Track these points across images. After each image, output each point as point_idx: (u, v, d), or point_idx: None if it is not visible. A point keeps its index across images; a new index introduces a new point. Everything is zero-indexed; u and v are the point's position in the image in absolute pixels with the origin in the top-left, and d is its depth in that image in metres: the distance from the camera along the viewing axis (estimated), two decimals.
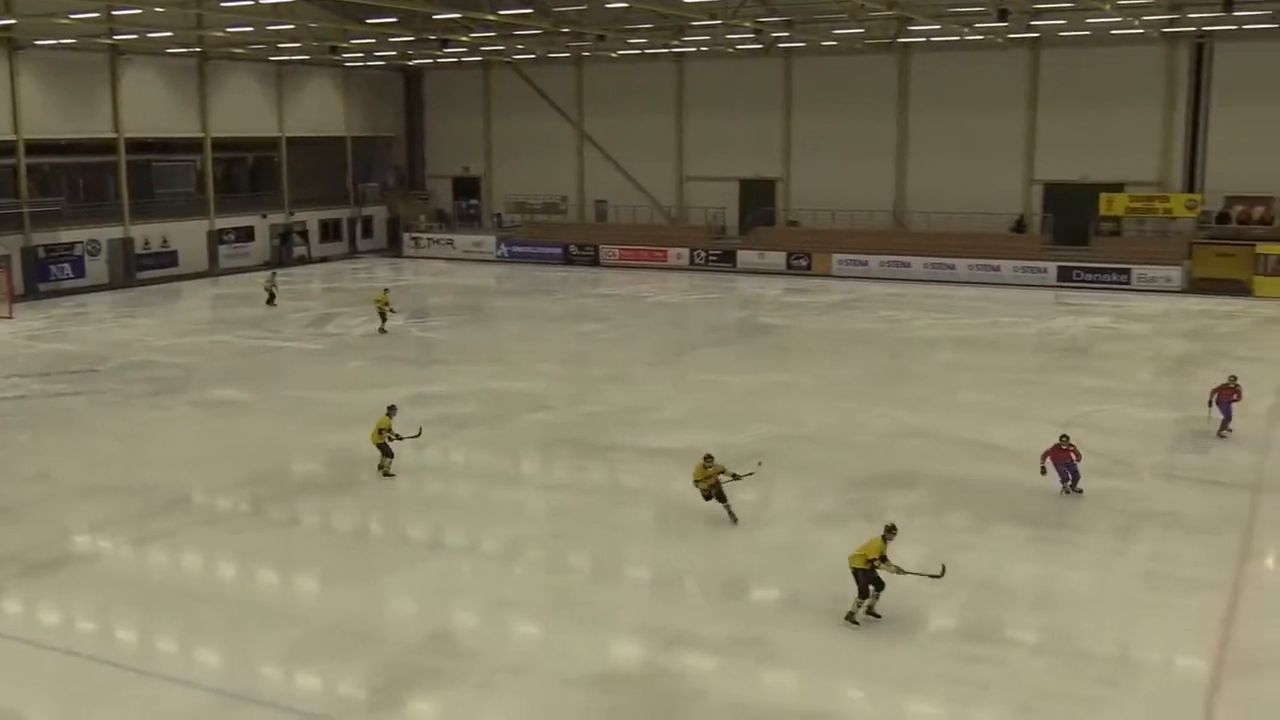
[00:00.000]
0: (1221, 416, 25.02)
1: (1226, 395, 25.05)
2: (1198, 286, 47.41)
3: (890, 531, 16.04)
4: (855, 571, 15.78)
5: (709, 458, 19.55)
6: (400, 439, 22.46)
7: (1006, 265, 50.61)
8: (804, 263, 53.99)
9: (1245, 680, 14.10)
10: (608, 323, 41.62)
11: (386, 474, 22.52)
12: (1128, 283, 48.56)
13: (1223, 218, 49.01)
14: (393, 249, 63.92)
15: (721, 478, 19.31)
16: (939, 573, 15.68)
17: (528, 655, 15.08)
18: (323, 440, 25.26)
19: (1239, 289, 46.60)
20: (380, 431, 22.43)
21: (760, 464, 19.91)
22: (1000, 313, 43.05)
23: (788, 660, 14.75)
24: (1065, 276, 49.70)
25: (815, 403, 28.36)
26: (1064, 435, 20.97)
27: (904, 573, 15.61)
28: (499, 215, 64.34)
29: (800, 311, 43.96)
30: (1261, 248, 47.08)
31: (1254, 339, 37.81)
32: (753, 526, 19.44)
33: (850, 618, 15.71)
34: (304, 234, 60.83)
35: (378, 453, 22.52)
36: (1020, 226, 52.79)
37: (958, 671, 14.38)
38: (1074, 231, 51.18)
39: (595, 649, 15.09)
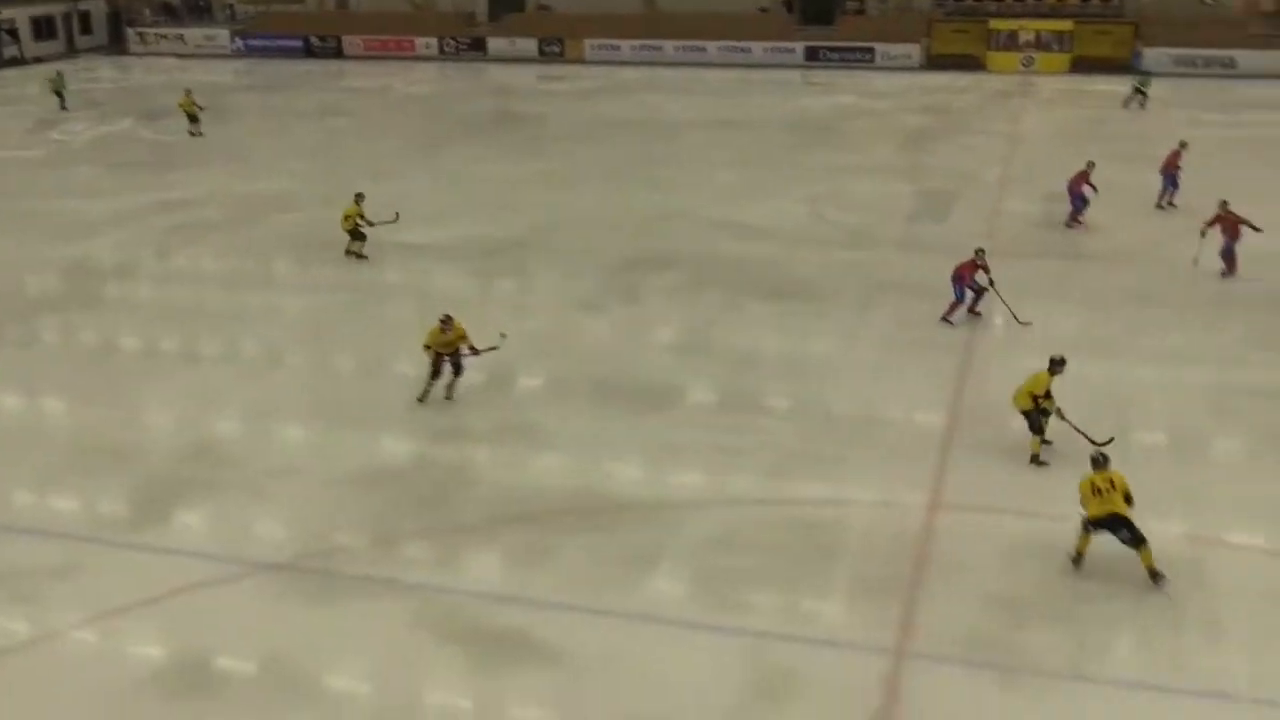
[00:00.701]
0: (1072, 209, 24.86)
1: (1080, 181, 25.01)
2: (935, 63, 49.05)
3: (1058, 365, 14.29)
4: (1024, 414, 14.30)
5: (447, 319, 15.99)
6: (373, 225, 22.54)
7: (757, 46, 51.04)
8: (556, 49, 53.09)
9: (974, 428, 15.33)
10: (356, 118, 40.17)
11: (359, 256, 22.81)
12: (872, 61, 49.81)
13: None
14: (116, 46, 59.42)
15: (461, 346, 16.10)
16: (1106, 440, 13.63)
17: (295, 458, 15.00)
18: (56, 253, 23.84)
19: (974, 64, 48.46)
20: (347, 218, 22.57)
21: (504, 335, 16.40)
22: (751, 94, 43.62)
23: (554, 443, 15.16)
24: (813, 56, 50.55)
25: (574, 190, 28.42)
26: (979, 249, 19.29)
27: (1065, 421, 13.93)
28: (231, 7, 60.44)
29: (555, 99, 43.43)
30: (994, 23, 48.89)
31: (986, 112, 39.63)
32: (516, 314, 19.59)
33: (1035, 459, 14.18)
34: (13, 32, 55.77)
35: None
36: (788, 7, 53.08)
37: (716, 440, 15.09)
38: (821, 12, 51.87)
39: (364, 446, 15.13)
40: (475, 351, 16.07)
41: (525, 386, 17.16)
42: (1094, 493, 11.90)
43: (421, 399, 16.18)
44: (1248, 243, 20.82)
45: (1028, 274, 21.49)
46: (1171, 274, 21.33)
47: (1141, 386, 16.53)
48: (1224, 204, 21.11)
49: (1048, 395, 14.08)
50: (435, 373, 16.21)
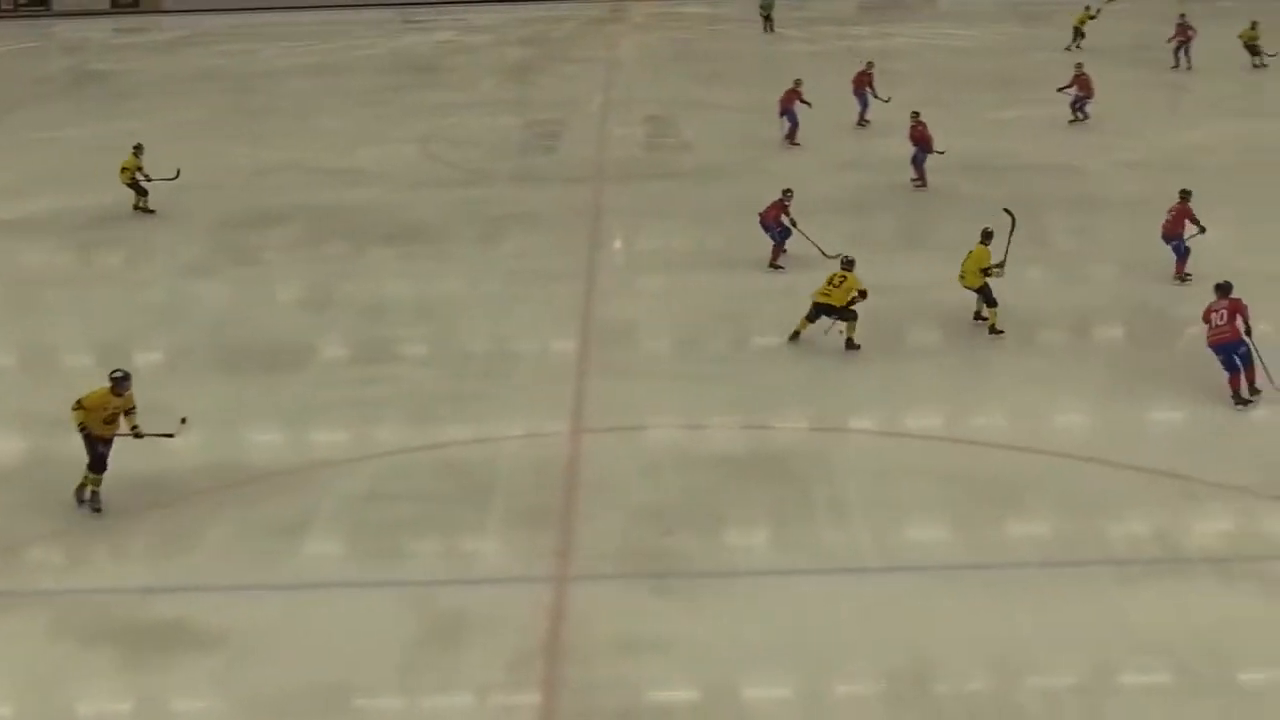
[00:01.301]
0: (860, 107, 26.37)
1: (862, 81, 26.35)
2: None
3: (986, 237, 15.87)
4: (978, 290, 15.90)
5: (120, 381, 11.95)
6: (150, 179, 21.58)
7: None
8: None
9: (606, 350, 15.87)
10: None
11: (146, 210, 21.78)
12: None
13: None
14: None
15: (125, 421, 12.17)
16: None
17: None
18: None
19: None
20: (123, 170, 21.60)
21: (185, 421, 12.53)
22: (350, 36, 42.46)
23: (183, 412, 14.40)
24: None
25: (167, 149, 26.67)
26: (787, 190, 18.61)
27: (999, 271, 15.73)
28: None
29: (135, 53, 40.68)
30: None
31: (584, 40, 40.48)
32: (129, 288, 18.41)
33: (993, 330, 15.85)
34: None
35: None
36: None
37: (356, 394, 14.84)
38: None
39: None
40: (137, 434, 12.27)
41: (145, 363, 16.14)
42: (827, 283, 15.34)
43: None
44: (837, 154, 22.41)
45: (640, 196, 22.34)
46: (770, 185, 22.66)
47: (754, 294, 17.57)
48: (915, 114, 22.50)
49: (999, 264, 15.85)
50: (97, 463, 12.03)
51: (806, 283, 17.53)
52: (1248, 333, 13.72)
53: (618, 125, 28.05)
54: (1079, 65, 27.08)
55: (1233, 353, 13.78)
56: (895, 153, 23.17)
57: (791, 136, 25.36)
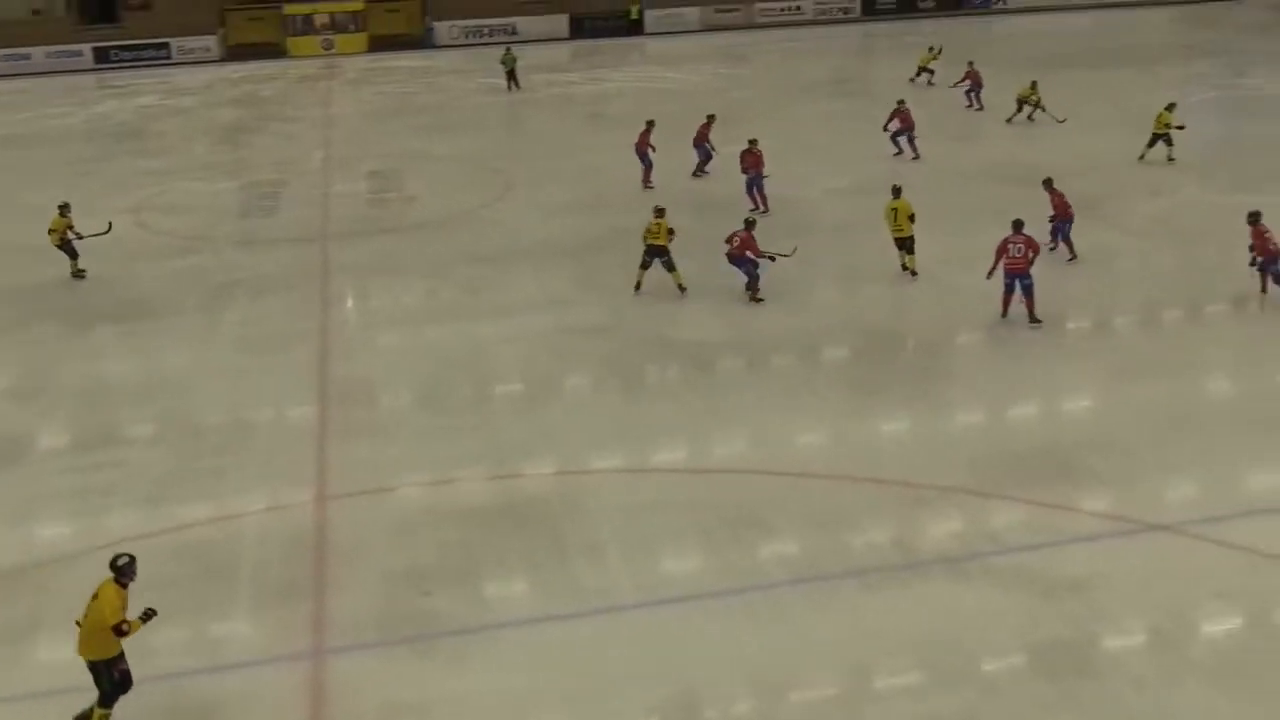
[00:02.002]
0: (699, 159, 26.04)
1: (703, 135, 25.90)
2: (236, 53, 48.15)
3: (750, 219, 18.74)
4: (901, 241, 19.22)
5: (125, 569, 9.84)
6: (82, 237, 20.73)
7: (37, 52, 47.06)
8: None
9: (345, 409, 15.51)
10: None
11: (77, 274, 20.88)
12: (169, 57, 47.89)
13: None
14: None
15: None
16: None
17: None
18: None
19: (276, 51, 48.17)
20: (51, 232, 20.69)
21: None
22: (41, 104, 40.24)
23: None
24: (103, 58, 47.64)
25: None
26: (750, 220, 18.99)
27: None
28: None
29: None
30: (289, 9, 48.83)
31: (297, 98, 39.69)
32: None
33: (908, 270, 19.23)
34: None
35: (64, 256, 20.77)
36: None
37: (80, 483, 13.98)
38: (103, 9, 48.78)
39: None
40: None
41: None
42: (650, 231, 18.51)
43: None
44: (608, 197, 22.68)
45: (368, 252, 22.04)
46: (497, 233, 22.78)
47: (491, 343, 17.57)
48: (753, 141, 23.40)
49: (910, 218, 19.03)
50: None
51: (539, 327, 17.75)
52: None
53: (340, 182, 27.60)
54: (970, 62, 32.21)
55: (1021, 280, 16.97)
56: (613, 197, 23.83)
57: (646, 178, 25.40)
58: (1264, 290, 17.67)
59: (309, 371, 16.87)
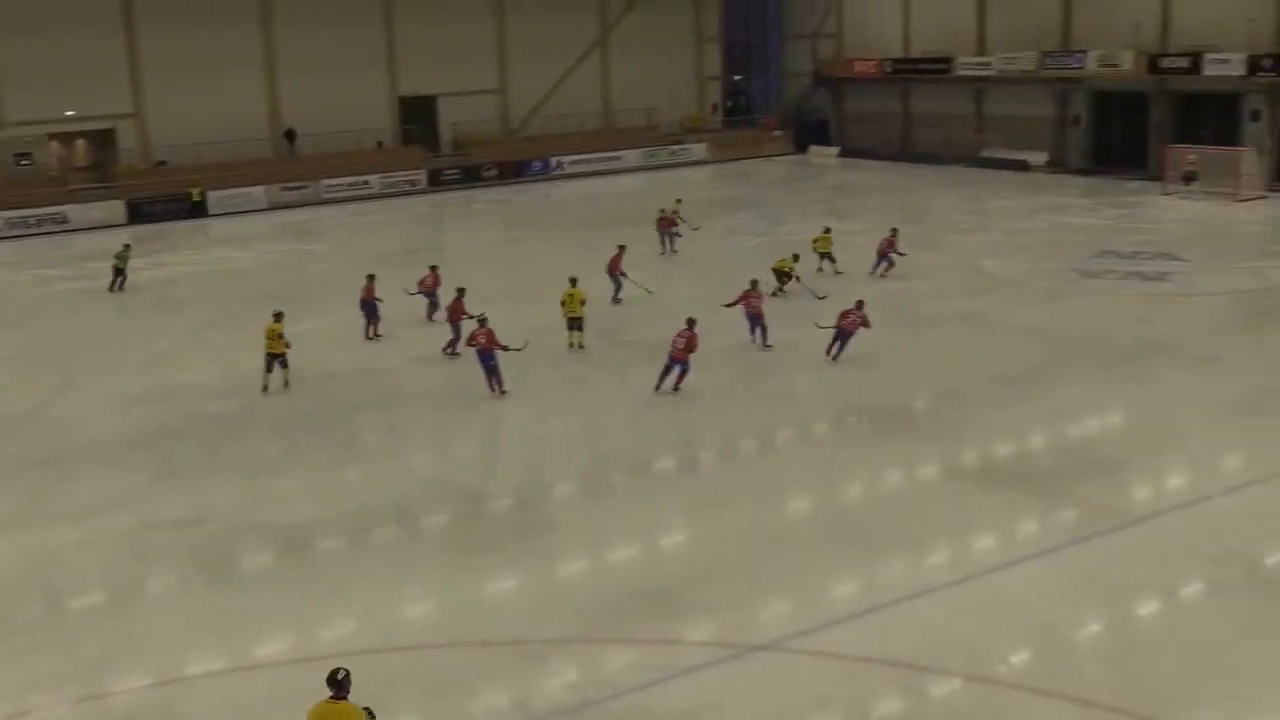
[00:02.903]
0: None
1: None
2: None
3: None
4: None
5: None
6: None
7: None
8: None
9: None
10: None
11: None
12: None
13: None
14: None
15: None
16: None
17: None
18: None
19: None
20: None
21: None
22: None
23: None
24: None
25: None
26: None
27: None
28: None
29: None
30: None
31: None
32: None
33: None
34: None
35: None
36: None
37: None
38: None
39: None
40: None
41: None
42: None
43: None
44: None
45: None
46: (64, 430, 21.12)
47: (60, 550, 16.10)
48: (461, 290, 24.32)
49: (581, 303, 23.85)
50: None
51: (118, 527, 16.64)
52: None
53: None
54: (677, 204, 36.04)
55: (680, 365, 20.95)
56: (187, 383, 22.96)
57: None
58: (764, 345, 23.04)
59: None
